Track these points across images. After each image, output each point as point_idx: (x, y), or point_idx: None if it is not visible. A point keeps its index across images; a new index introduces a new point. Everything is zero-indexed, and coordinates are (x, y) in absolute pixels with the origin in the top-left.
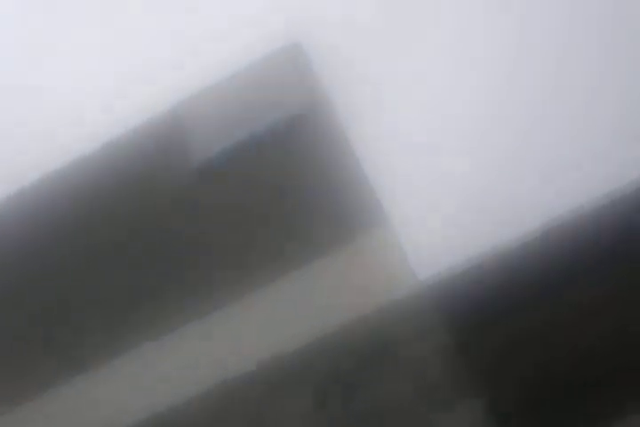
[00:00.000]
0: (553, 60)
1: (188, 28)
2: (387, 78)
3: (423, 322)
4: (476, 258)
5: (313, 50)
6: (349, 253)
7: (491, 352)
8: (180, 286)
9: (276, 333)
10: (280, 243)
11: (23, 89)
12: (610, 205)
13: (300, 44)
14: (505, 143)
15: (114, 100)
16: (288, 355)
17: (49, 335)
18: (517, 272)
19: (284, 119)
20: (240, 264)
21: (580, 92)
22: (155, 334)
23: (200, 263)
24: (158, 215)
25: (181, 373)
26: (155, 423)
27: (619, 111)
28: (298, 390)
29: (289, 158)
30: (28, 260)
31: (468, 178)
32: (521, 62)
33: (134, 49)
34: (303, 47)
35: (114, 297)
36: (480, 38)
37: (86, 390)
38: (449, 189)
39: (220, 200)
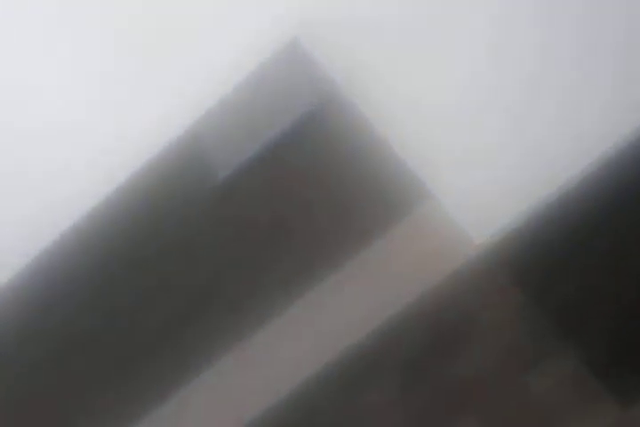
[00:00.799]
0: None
1: (191, 36)
2: (391, 66)
3: (494, 284)
4: (529, 211)
5: (312, 45)
6: (401, 232)
7: (569, 302)
8: (232, 296)
9: (347, 320)
10: (328, 235)
11: (52, 125)
12: None
13: (298, 40)
14: (537, 102)
15: (127, 129)
16: (365, 340)
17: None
18: (574, 217)
19: (302, 117)
20: (289, 266)
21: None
22: (228, 342)
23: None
24: (183, 234)
25: (262, 374)
26: None
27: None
28: (382, 376)
29: (315, 155)
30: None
31: (500, 137)
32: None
33: (140, 74)
34: (302, 44)
35: (164, 309)
36: (482, 28)
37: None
38: (482, 154)
39: (251, 211)
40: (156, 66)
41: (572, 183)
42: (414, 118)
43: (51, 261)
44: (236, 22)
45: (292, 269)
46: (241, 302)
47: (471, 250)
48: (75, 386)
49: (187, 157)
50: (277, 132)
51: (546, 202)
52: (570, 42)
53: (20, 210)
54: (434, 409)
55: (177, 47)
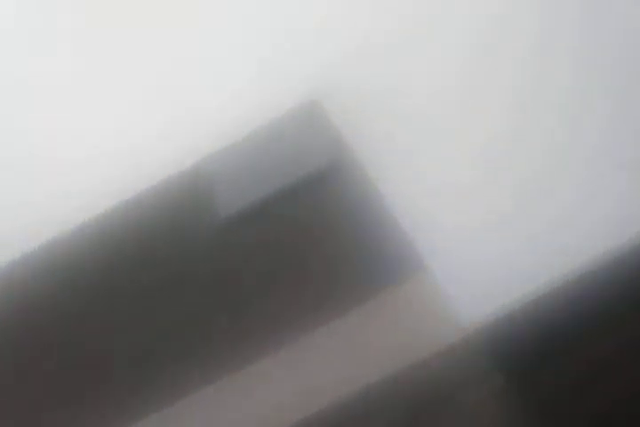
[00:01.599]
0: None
1: (211, 85)
2: (405, 134)
3: (473, 367)
4: (520, 301)
5: (332, 107)
6: (390, 301)
7: (551, 396)
8: (211, 339)
9: (319, 386)
10: (315, 295)
11: (47, 150)
12: None
13: (319, 101)
14: (545, 181)
15: (139, 157)
16: (336, 407)
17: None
18: (565, 313)
19: (309, 174)
20: (274, 317)
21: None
22: (213, 378)
23: (232, 316)
24: (186, 269)
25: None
26: None
27: None
28: None
29: (317, 212)
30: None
31: (506, 221)
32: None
33: (158, 105)
34: (322, 104)
35: (157, 343)
36: (499, 104)
37: None
38: (486, 234)
39: (248, 255)
40: (177, 97)
41: (572, 277)
42: (422, 191)
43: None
44: (261, 73)
45: (273, 321)
46: (219, 347)
47: (458, 330)
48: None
49: (191, 191)
50: (284, 184)
51: (541, 293)
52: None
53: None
54: None
55: (201, 84)
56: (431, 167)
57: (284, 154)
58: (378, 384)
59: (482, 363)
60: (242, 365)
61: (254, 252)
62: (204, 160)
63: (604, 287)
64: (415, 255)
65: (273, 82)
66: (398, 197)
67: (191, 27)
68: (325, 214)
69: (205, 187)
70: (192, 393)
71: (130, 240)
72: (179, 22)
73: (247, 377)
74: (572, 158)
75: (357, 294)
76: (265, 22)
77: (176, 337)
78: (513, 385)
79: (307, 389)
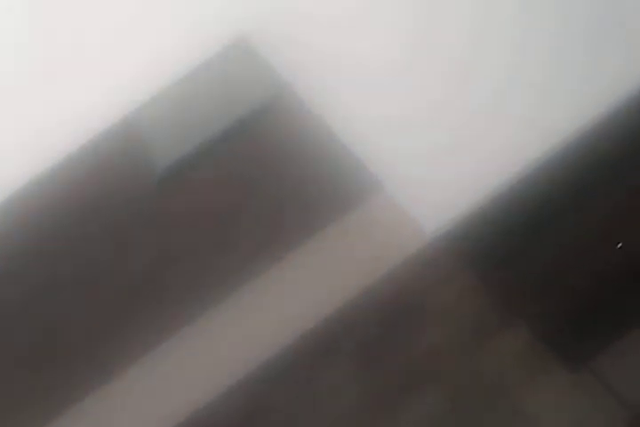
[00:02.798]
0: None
1: (136, 28)
2: (339, 60)
3: (444, 269)
4: (479, 202)
5: (261, 44)
6: (351, 221)
7: (516, 284)
8: (183, 279)
9: (296, 308)
10: (279, 221)
11: None
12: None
13: (247, 39)
14: (482, 90)
15: (70, 109)
16: (315, 327)
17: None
18: (522, 207)
19: (248, 113)
20: (237, 252)
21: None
22: (175, 328)
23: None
24: (123, 225)
25: (217, 358)
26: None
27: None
28: (335, 359)
29: (262, 149)
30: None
31: (450, 129)
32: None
33: (86, 56)
34: (251, 42)
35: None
36: (435, 17)
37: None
38: (433, 144)
39: (192, 204)
40: (103, 50)
41: (522, 175)
42: (367, 114)
43: None
44: (185, 14)
45: (245, 253)
46: (191, 288)
47: (422, 238)
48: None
49: (124, 144)
50: (225, 126)
51: (494, 193)
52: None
53: None
54: (387, 386)
55: (125, 34)
56: (374, 88)
57: (219, 95)
58: (351, 300)
59: (449, 265)
60: (219, 299)
61: (202, 194)
62: (136, 111)
63: (556, 178)
64: (370, 176)
65: (200, 21)
66: (344, 124)
67: None
68: (273, 149)
69: (139, 138)
70: (173, 332)
71: (65, 199)
72: None
73: (224, 312)
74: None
75: (319, 217)
76: None
77: (131, 292)
78: (481, 283)
79: (282, 314)
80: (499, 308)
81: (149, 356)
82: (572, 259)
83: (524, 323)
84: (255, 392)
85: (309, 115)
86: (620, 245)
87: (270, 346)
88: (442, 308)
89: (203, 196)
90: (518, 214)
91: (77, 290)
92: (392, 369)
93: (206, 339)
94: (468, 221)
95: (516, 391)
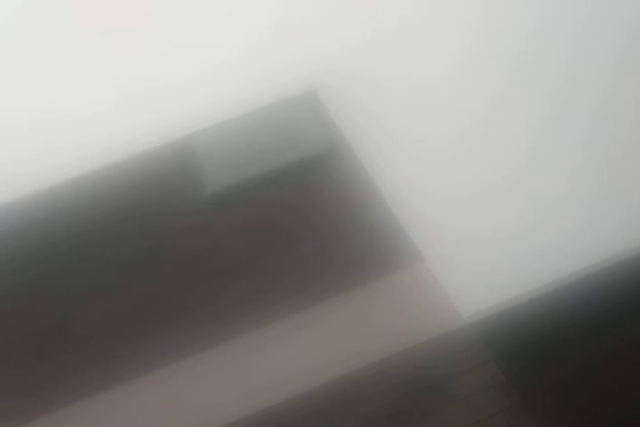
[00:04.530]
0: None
1: (215, 66)
2: (399, 126)
3: (472, 356)
4: (523, 297)
5: (328, 97)
6: (382, 287)
7: (541, 387)
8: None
9: (311, 368)
10: (301, 278)
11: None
12: None
13: (316, 91)
14: (538, 180)
15: (134, 121)
16: (328, 390)
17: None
18: (565, 311)
19: (300, 160)
20: (255, 296)
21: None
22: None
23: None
24: (166, 241)
25: (219, 390)
26: None
27: None
28: (342, 421)
29: (307, 198)
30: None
31: (506, 213)
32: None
33: (160, 72)
34: (319, 95)
35: (135, 318)
36: (510, 93)
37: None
38: (485, 226)
39: (232, 233)
40: (180, 70)
41: (576, 277)
42: (420, 185)
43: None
44: (268, 59)
45: (254, 300)
46: (193, 323)
47: (454, 320)
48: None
49: (179, 160)
50: (274, 167)
51: (540, 290)
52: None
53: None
54: None
55: (206, 60)
56: (428, 170)
57: (277, 138)
58: (369, 367)
59: (480, 353)
60: (215, 342)
61: (239, 230)
62: (196, 134)
63: (606, 289)
64: (411, 246)
65: (275, 68)
66: (396, 191)
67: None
68: (313, 200)
69: (194, 161)
70: (160, 368)
71: (110, 204)
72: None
73: (222, 355)
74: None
75: (347, 279)
76: (270, 8)
77: (148, 309)
78: (510, 378)
79: (288, 369)
80: (516, 406)
81: (153, 372)
82: (598, 377)
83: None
84: None
85: (361, 173)
86: None
87: (272, 397)
88: (459, 395)
89: (239, 230)
90: (558, 318)
91: (109, 296)
92: None
93: (215, 372)
94: (505, 314)
95: None
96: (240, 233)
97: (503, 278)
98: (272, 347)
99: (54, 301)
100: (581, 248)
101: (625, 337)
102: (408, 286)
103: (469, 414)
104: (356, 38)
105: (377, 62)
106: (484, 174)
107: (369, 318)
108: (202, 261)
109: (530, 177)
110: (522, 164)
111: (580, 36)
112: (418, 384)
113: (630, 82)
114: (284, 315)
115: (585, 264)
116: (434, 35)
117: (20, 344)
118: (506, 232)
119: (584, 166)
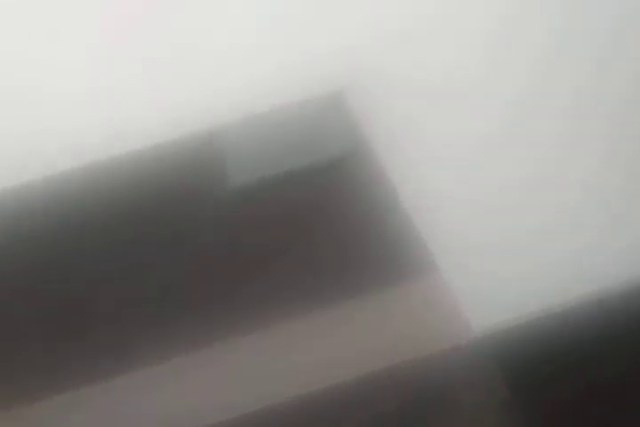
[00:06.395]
0: None
1: (242, 63)
2: (427, 129)
3: (478, 372)
4: (536, 316)
5: (355, 98)
6: (393, 295)
7: (549, 410)
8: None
9: (315, 370)
10: (318, 278)
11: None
12: None
13: (343, 91)
14: (559, 194)
15: (157, 110)
16: (331, 394)
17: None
18: (577, 330)
19: (324, 159)
20: (271, 293)
21: None
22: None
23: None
24: (186, 232)
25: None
26: None
27: None
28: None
29: (325, 198)
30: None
31: (533, 232)
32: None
33: (186, 66)
34: (345, 95)
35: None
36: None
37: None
38: (506, 235)
39: (253, 228)
40: (209, 64)
41: (589, 299)
42: (441, 192)
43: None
44: (296, 58)
45: (270, 297)
46: (206, 316)
47: (464, 334)
48: None
49: (204, 154)
50: (297, 166)
51: (558, 309)
52: None
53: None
54: None
55: (235, 56)
56: (453, 177)
57: (301, 136)
58: (373, 375)
59: (487, 370)
60: (227, 337)
61: (259, 226)
62: (222, 127)
63: (619, 314)
64: (427, 255)
65: (304, 67)
66: (417, 198)
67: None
68: (333, 202)
69: (218, 153)
70: (168, 360)
71: (131, 191)
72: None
73: (232, 350)
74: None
75: (363, 283)
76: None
77: (163, 299)
78: (517, 396)
79: (293, 371)
80: (518, 425)
81: (156, 366)
82: (603, 404)
83: None
84: None
85: (381, 178)
86: None
87: (273, 396)
88: (462, 408)
89: (259, 225)
90: (571, 339)
91: (124, 281)
92: None
93: (218, 367)
94: (518, 330)
95: None
96: (256, 229)
97: (520, 292)
98: (278, 346)
99: (72, 283)
100: (608, 262)
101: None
102: (420, 296)
103: None
104: (388, 30)
105: (409, 59)
106: (507, 181)
107: (377, 325)
108: (220, 253)
109: (555, 185)
110: (547, 170)
111: (606, 31)
112: (420, 395)
113: None
114: (293, 315)
115: (609, 282)
116: (457, 29)
117: (31, 327)
118: (527, 243)
119: (608, 170)
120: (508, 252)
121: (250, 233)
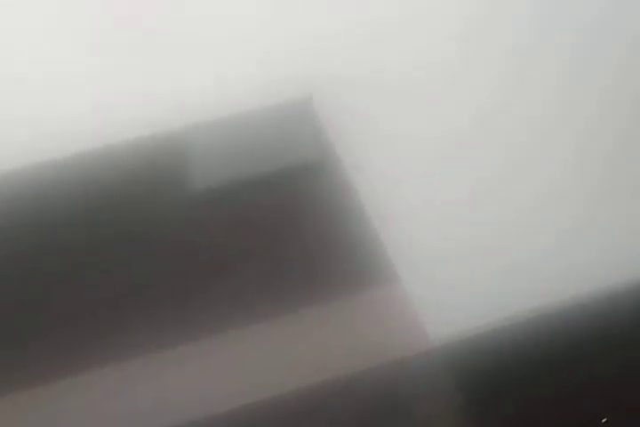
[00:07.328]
0: None
1: (211, 64)
2: (396, 135)
3: (433, 381)
4: (492, 326)
5: (323, 104)
6: (351, 303)
7: (502, 421)
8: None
9: (271, 378)
10: (282, 283)
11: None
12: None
13: (311, 97)
14: (522, 200)
15: (125, 109)
16: (286, 402)
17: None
18: (536, 341)
19: (286, 166)
20: (236, 297)
21: None
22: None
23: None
24: (149, 232)
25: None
26: None
27: None
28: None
29: (288, 204)
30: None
31: (490, 236)
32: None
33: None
34: (314, 101)
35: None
36: (507, 95)
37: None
38: (465, 247)
39: (216, 232)
40: (178, 66)
41: (552, 308)
42: (408, 202)
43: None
44: (268, 61)
45: (235, 301)
46: (177, 314)
47: (421, 344)
48: None
49: (169, 155)
50: (261, 171)
51: (519, 319)
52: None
53: None
54: None
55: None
56: (419, 184)
57: (268, 141)
58: (329, 383)
59: (444, 379)
60: (191, 340)
61: (224, 230)
62: (188, 129)
63: (578, 325)
64: (388, 265)
65: (271, 71)
66: (377, 200)
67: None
68: (297, 207)
69: (183, 155)
70: (132, 359)
71: (98, 187)
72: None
73: (196, 353)
74: (572, 179)
75: (322, 292)
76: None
77: (128, 298)
78: (471, 407)
79: (251, 377)
80: None
81: (133, 360)
82: (560, 417)
83: None
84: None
85: (345, 185)
86: (604, 420)
87: (231, 401)
88: (417, 418)
89: (224, 229)
90: (530, 350)
91: (90, 281)
92: None
93: (184, 367)
94: (475, 340)
95: None
96: (217, 231)
97: (480, 302)
98: (233, 352)
99: (34, 281)
100: (571, 274)
101: (595, 375)
102: (380, 305)
103: None
104: (352, 36)
105: (375, 62)
106: (471, 190)
107: (336, 333)
108: (185, 254)
109: (518, 194)
110: (510, 180)
111: (582, 31)
112: (375, 404)
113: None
114: (252, 321)
115: (569, 293)
116: (433, 29)
117: (26, 315)
118: (488, 254)
119: (580, 168)
120: (469, 262)
121: (213, 235)
